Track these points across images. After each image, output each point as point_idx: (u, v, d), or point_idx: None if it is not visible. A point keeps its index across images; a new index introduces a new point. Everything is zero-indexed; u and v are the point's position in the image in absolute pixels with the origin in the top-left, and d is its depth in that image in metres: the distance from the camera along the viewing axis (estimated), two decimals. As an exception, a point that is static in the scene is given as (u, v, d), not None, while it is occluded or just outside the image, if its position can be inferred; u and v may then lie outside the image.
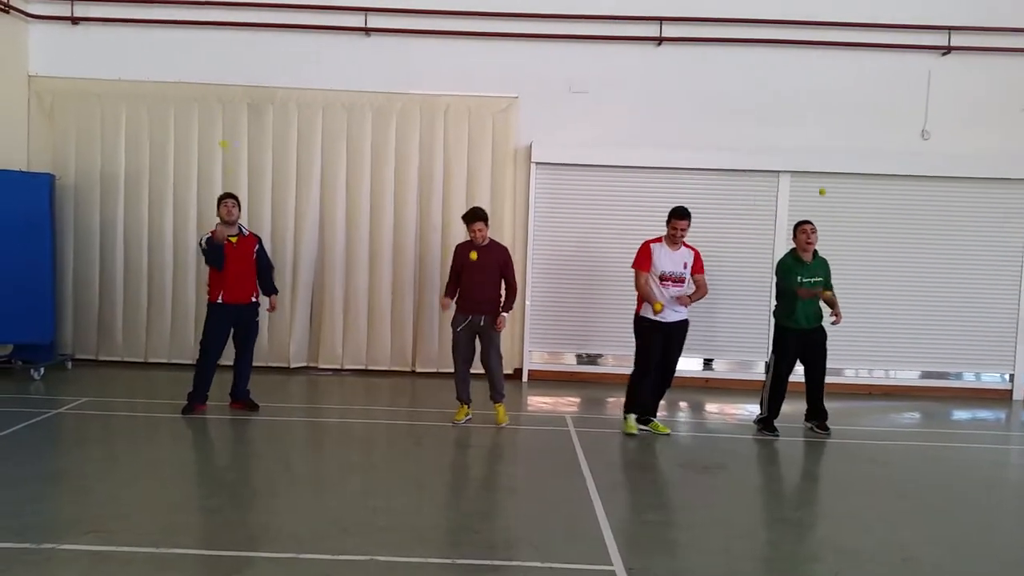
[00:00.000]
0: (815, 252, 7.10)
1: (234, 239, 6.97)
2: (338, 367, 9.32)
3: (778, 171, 9.13)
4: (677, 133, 9.17)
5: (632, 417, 6.95)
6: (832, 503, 5.35)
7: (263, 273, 7.21)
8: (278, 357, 9.27)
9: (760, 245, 9.20)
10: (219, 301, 6.94)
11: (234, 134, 9.11)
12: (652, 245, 6.80)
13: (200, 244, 7.05)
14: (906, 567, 4.26)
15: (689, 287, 6.79)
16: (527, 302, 9.26)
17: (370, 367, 9.32)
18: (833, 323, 7.05)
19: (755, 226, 9.21)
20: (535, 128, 9.14)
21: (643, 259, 6.77)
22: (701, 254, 6.92)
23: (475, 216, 6.85)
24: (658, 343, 6.78)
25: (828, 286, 7.13)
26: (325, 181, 9.20)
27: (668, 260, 6.73)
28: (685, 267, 6.75)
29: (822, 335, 7.15)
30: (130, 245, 9.23)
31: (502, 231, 9.06)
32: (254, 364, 8.97)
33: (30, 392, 7.79)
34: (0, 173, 8.33)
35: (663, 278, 6.71)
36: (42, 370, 8.38)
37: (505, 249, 7.09)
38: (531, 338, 9.36)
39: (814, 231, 7.02)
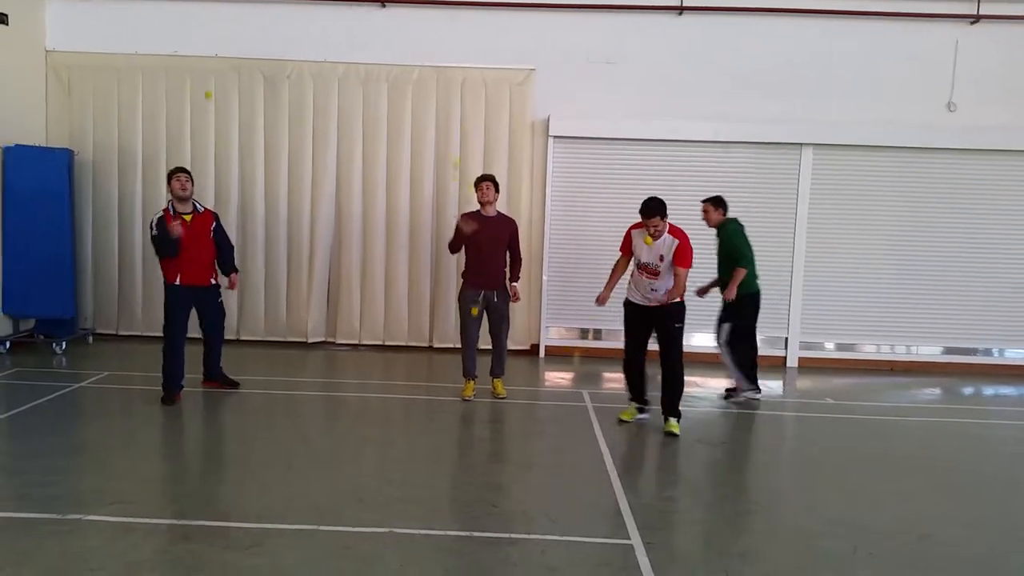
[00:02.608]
0: (724, 222, 7.25)
1: (188, 217, 6.48)
2: (356, 342, 9.35)
3: (800, 143, 8.99)
4: (697, 105, 9.04)
5: (632, 405, 6.64)
6: (850, 479, 5.31)
7: (222, 252, 6.78)
8: (296, 332, 9.32)
9: (782, 218, 9.10)
10: (176, 283, 6.48)
11: (250, 107, 9.09)
12: (632, 231, 6.34)
13: (151, 227, 6.45)
14: (923, 544, 4.24)
15: (667, 280, 6.14)
16: (544, 277, 9.23)
17: (387, 342, 9.35)
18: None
19: (777, 199, 9.10)
20: (553, 101, 9.04)
21: (624, 243, 6.43)
22: (689, 243, 6.10)
23: (484, 177, 6.94)
24: (634, 327, 6.41)
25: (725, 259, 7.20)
26: (341, 155, 9.17)
27: (646, 250, 6.20)
28: (661, 260, 6.09)
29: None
30: (148, 219, 9.22)
31: (519, 205, 9.02)
32: (273, 339, 9.13)
33: (52, 366, 7.89)
34: (19, 148, 8.38)
35: (639, 267, 6.30)
36: (64, 344, 8.47)
37: (513, 221, 7.09)
38: (548, 314, 9.34)
39: (706, 210, 7.26)
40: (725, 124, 8.96)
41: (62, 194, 8.52)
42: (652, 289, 6.18)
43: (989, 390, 8.51)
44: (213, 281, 6.74)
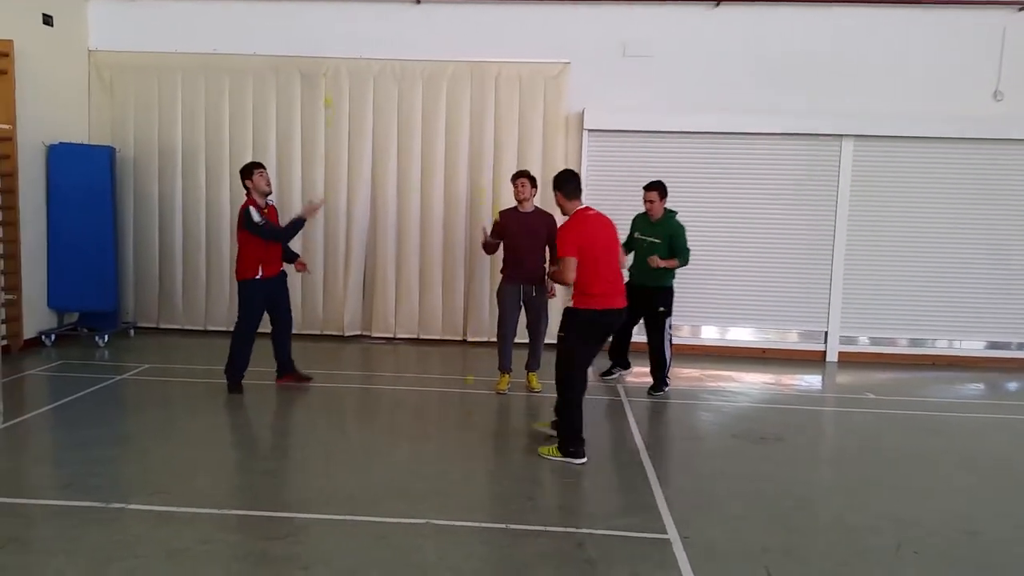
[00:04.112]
0: (668, 213, 7.10)
1: (265, 210, 6.69)
2: (391, 336, 9.40)
3: (841, 135, 8.83)
4: (735, 97, 8.91)
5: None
6: (893, 474, 5.21)
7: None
8: (332, 326, 9.40)
9: (822, 211, 8.95)
10: (259, 276, 6.62)
11: (288, 105, 9.18)
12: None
13: (251, 217, 6.49)
14: (970, 541, 4.15)
15: None
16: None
17: (422, 336, 9.38)
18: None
19: (817, 192, 8.95)
20: (587, 94, 8.97)
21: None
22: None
23: (520, 173, 6.97)
24: None
25: (667, 250, 6.98)
26: (377, 151, 9.22)
27: None
28: None
29: (658, 293, 7.02)
30: (188, 215, 9.41)
31: (552, 199, 8.96)
32: (310, 333, 9.22)
33: (95, 359, 8.04)
34: (63, 146, 8.55)
35: None
36: (106, 337, 8.63)
37: (551, 216, 6.98)
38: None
39: (652, 199, 7.08)
40: (763, 116, 8.83)
41: (104, 190, 8.68)
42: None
43: (1036, 386, 8.30)
44: (282, 268, 6.95)
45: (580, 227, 5.27)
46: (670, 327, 7.13)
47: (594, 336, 5.36)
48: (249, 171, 6.70)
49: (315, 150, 9.23)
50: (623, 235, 6.33)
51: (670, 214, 7.13)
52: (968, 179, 8.85)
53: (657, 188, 7.11)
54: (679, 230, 7.03)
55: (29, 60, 8.15)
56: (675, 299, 7.17)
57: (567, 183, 5.50)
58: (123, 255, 9.34)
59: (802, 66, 8.87)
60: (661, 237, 7.01)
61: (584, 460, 5.15)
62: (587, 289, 5.17)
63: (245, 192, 6.74)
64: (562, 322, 5.34)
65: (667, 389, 7.14)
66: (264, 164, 6.89)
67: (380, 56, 9.07)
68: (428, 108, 9.10)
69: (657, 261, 6.91)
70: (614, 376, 7.65)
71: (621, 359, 7.69)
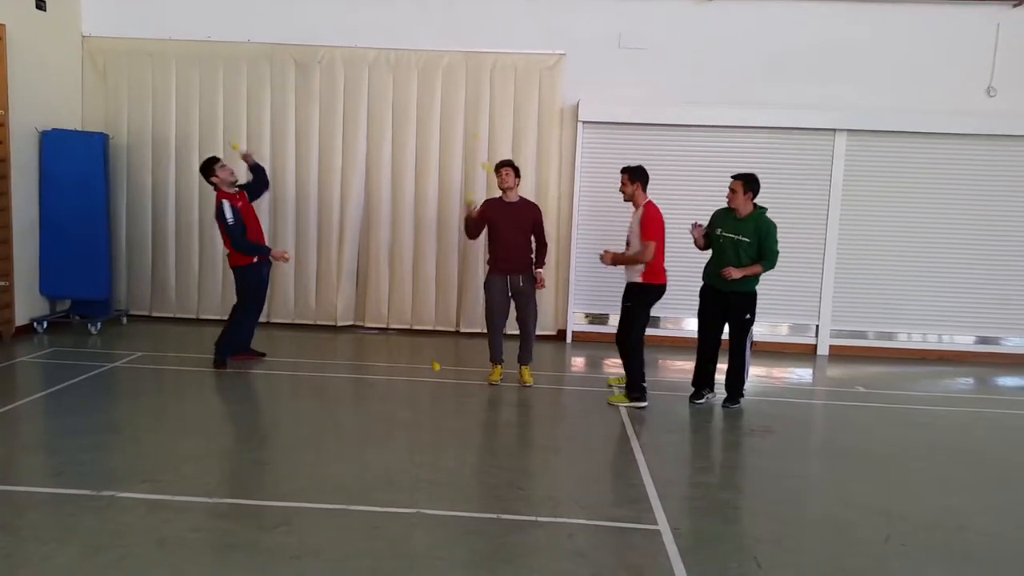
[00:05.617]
0: (757, 208, 6.31)
1: (237, 195, 7.07)
2: (384, 326, 9.41)
3: (834, 129, 8.84)
4: (730, 90, 8.92)
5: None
6: (882, 467, 5.25)
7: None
8: (325, 316, 9.39)
9: (814, 205, 8.97)
10: (255, 260, 7.08)
11: (282, 93, 9.14)
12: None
13: (232, 225, 6.89)
14: (960, 535, 4.18)
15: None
16: (572, 264, 9.19)
17: (415, 326, 9.39)
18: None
19: (810, 186, 8.97)
20: (583, 86, 8.96)
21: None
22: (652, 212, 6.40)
23: (503, 162, 6.97)
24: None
25: (753, 249, 6.22)
26: (371, 140, 9.19)
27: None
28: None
29: (736, 299, 6.34)
30: (181, 203, 9.36)
31: (547, 190, 8.99)
32: (303, 323, 9.27)
33: (87, 346, 8.02)
34: (55, 132, 8.50)
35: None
36: (99, 325, 8.60)
37: (536, 207, 7.06)
38: (575, 300, 9.31)
39: (734, 189, 6.22)
40: (757, 110, 8.84)
41: (97, 177, 8.63)
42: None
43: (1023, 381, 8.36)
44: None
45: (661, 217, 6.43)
46: (751, 336, 6.49)
47: (652, 305, 6.53)
48: (210, 169, 7.00)
49: (309, 139, 9.20)
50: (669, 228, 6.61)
51: (760, 210, 6.29)
52: (960, 175, 8.88)
53: (742, 179, 6.22)
54: (771, 229, 6.21)
55: (21, 45, 8.09)
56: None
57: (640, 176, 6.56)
58: (116, 242, 9.30)
59: (796, 60, 8.88)
60: (749, 236, 6.20)
61: (646, 404, 6.33)
62: (658, 268, 6.37)
63: (213, 187, 7.05)
64: (627, 294, 6.52)
65: (742, 400, 6.59)
66: (220, 157, 7.25)
67: (375, 45, 9.03)
68: (423, 98, 9.07)
69: (732, 272, 6.13)
70: (702, 401, 6.63)
71: (709, 381, 6.69)
